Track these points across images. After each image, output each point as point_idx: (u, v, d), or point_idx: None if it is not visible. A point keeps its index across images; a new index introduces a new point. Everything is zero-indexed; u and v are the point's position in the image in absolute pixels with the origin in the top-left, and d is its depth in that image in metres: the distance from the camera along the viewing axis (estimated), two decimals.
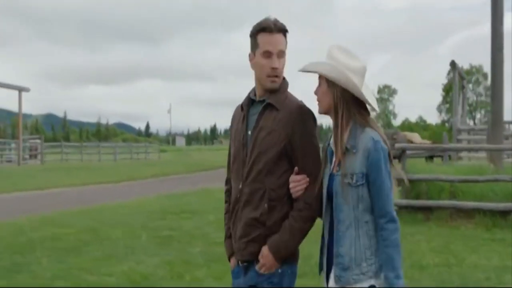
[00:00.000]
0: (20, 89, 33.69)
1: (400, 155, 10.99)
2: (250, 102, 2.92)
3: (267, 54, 2.80)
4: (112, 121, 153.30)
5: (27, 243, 8.41)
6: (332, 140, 2.72)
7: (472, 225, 9.79)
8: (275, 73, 2.81)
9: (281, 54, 2.82)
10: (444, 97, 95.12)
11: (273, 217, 2.77)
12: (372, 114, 2.75)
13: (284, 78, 2.89)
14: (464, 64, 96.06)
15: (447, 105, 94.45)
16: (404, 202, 10.52)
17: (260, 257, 2.79)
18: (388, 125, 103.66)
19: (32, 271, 6.69)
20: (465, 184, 10.51)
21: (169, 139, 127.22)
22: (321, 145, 2.88)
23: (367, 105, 2.73)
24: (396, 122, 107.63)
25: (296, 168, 2.76)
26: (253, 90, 2.94)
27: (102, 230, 9.58)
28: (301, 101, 2.86)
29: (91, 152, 43.13)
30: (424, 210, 10.45)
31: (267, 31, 2.80)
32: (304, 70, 2.75)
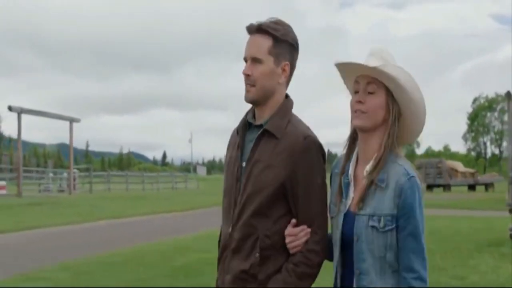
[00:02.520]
0: (71, 120, 34.39)
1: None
2: (247, 125, 2.40)
3: (245, 60, 2.33)
4: (125, 150, 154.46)
5: (187, 266, 8.72)
6: (351, 168, 2.25)
7: None
8: (247, 81, 2.30)
9: (256, 58, 2.28)
10: (470, 126, 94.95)
11: (267, 270, 2.25)
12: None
13: (287, 97, 2.38)
14: (489, 92, 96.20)
15: (473, 134, 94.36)
16: None
17: None
18: (412, 154, 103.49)
19: None
20: None
21: (190, 168, 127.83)
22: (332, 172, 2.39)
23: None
24: (420, 151, 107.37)
25: (293, 221, 2.25)
26: (252, 110, 2.41)
27: None
28: (307, 128, 2.33)
29: (135, 182, 43.76)
30: None
31: (248, 32, 2.34)
32: (377, 70, 2.14)
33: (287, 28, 2.33)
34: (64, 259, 9.73)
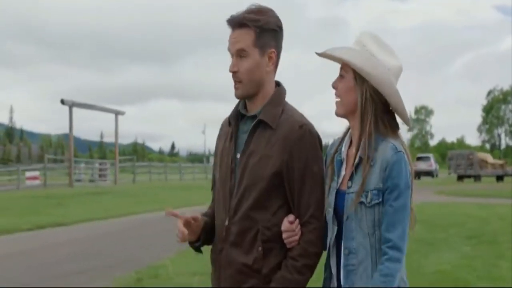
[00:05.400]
0: (117, 113, 35.54)
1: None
2: (239, 116, 2.37)
3: (231, 55, 2.30)
4: (130, 140, 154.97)
5: None
6: (344, 147, 2.24)
7: None
8: (234, 78, 2.28)
9: (241, 53, 2.25)
10: (485, 118, 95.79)
11: (270, 263, 2.22)
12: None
13: (279, 85, 2.36)
14: (504, 85, 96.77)
15: (487, 126, 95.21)
16: None
17: None
18: (425, 146, 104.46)
19: None
20: None
21: (203, 158, 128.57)
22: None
23: (397, 117, 2.23)
24: (433, 142, 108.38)
25: (290, 217, 2.22)
26: (243, 100, 2.39)
27: None
28: (301, 116, 2.31)
29: (158, 172, 44.87)
30: None
31: (229, 26, 2.29)
32: (326, 55, 2.22)
33: (268, 15, 2.27)
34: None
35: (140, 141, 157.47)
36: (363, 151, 2.12)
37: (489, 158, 40.77)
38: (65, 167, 39.42)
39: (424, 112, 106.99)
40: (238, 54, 2.25)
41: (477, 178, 38.14)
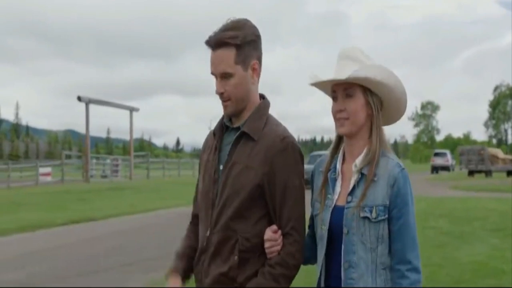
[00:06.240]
0: (131, 109, 35.93)
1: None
2: (224, 128, 2.40)
3: (214, 76, 2.32)
4: (136, 136, 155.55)
5: None
6: (338, 164, 2.23)
7: None
8: (222, 98, 2.30)
9: (225, 74, 2.26)
10: (491, 113, 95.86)
11: (246, 272, 2.25)
12: None
13: (263, 98, 2.39)
14: (510, 81, 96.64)
15: (494, 121, 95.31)
16: None
17: None
18: (431, 141, 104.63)
19: None
20: None
21: None
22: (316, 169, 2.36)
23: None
24: (439, 137, 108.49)
25: (274, 227, 2.24)
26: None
27: None
28: (284, 129, 2.33)
29: (171, 168, 45.28)
30: None
31: (208, 47, 2.30)
32: (349, 78, 2.13)
33: (244, 28, 2.27)
34: None
35: (146, 137, 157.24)
36: (367, 167, 2.13)
37: (500, 153, 40.88)
38: (78, 163, 40.04)
39: (430, 108, 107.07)
40: (222, 75, 2.26)
41: (488, 173, 38.37)
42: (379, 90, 2.16)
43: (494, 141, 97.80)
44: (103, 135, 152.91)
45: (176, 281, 2.37)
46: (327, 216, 2.17)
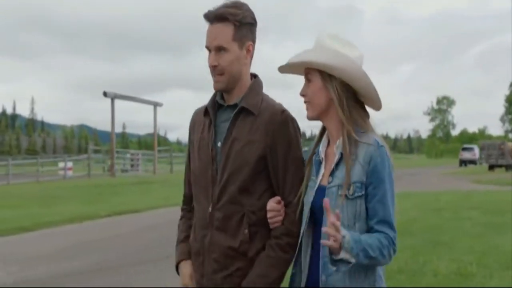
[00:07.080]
0: (155, 104, 36.38)
1: None
2: (216, 106, 2.41)
3: (208, 50, 2.34)
4: (149, 131, 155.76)
5: None
6: (321, 147, 2.28)
7: None
8: (215, 72, 2.32)
9: (221, 48, 2.29)
10: (507, 108, 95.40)
11: (256, 246, 2.29)
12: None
13: (256, 77, 2.43)
14: None
15: (510, 116, 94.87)
16: None
17: None
18: (447, 136, 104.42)
19: None
20: None
21: None
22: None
23: (367, 105, 2.27)
24: (455, 132, 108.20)
25: (277, 198, 2.30)
26: (219, 92, 2.43)
27: None
28: (280, 104, 2.40)
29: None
30: None
31: (206, 20, 2.33)
32: (288, 66, 2.26)
33: (245, 9, 2.32)
34: None
35: (162, 132, 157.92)
36: (344, 147, 2.15)
37: None
38: (97, 158, 40.48)
39: (446, 103, 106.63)
40: (218, 48, 2.29)
41: (508, 167, 38.59)
42: (337, 74, 2.15)
43: (511, 135, 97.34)
44: (119, 130, 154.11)
45: (188, 268, 2.43)
46: (310, 197, 2.22)
